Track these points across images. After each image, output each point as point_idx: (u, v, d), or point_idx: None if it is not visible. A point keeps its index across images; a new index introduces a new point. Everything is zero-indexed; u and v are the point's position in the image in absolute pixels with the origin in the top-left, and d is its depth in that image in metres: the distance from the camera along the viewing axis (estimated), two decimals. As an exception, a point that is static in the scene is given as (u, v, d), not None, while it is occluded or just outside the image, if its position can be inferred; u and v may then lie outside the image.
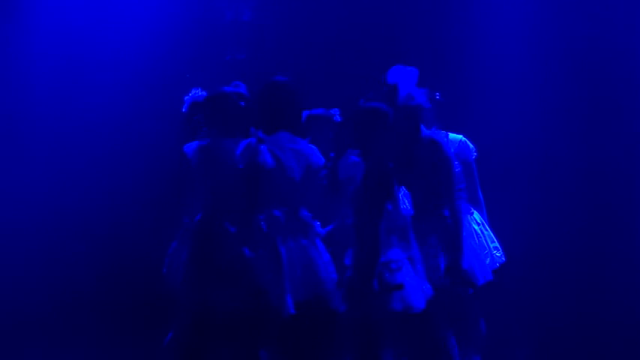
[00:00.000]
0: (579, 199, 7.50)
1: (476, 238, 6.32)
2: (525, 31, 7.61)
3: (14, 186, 7.49)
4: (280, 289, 5.41)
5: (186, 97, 6.11)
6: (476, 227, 6.39)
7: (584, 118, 7.53)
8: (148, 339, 6.34)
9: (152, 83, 7.55)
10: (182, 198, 5.78)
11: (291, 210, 5.58)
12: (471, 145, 6.52)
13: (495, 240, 6.43)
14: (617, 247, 7.41)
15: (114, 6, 7.66)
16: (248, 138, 5.63)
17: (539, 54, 7.57)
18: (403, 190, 5.53)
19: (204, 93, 6.04)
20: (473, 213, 6.43)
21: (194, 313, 5.55)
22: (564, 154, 7.54)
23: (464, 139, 6.50)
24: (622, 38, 7.50)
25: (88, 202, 7.52)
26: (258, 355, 5.51)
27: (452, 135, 6.48)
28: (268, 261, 5.45)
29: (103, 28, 7.60)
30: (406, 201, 5.53)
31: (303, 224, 5.59)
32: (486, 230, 6.43)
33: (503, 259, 6.42)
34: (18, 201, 7.47)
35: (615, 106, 7.51)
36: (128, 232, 7.43)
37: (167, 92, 7.41)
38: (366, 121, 5.44)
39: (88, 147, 7.54)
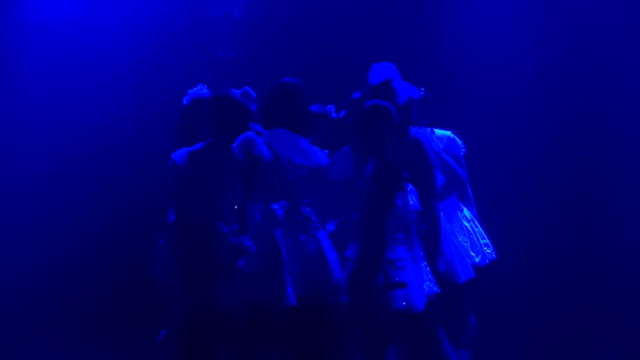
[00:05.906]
0: (569, 194, 7.50)
1: (466, 235, 6.31)
2: (514, 26, 7.61)
3: (10, 185, 7.48)
4: (280, 280, 5.40)
5: (190, 91, 6.06)
6: (466, 224, 6.37)
7: (574, 113, 7.52)
8: (142, 336, 6.35)
9: (143, 81, 7.54)
10: (171, 201, 5.76)
11: (291, 205, 5.58)
12: (460, 141, 6.51)
13: (486, 236, 6.42)
14: (608, 243, 7.40)
15: (104, 3, 7.64)
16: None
17: (530, 49, 7.56)
18: (410, 187, 5.54)
19: (207, 91, 6.02)
20: (463, 209, 6.42)
21: (191, 312, 5.53)
22: (554, 150, 7.53)
23: (452, 135, 6.49)
24: (614, 35, 7.51)
25: (80, 201, 7.51)
26: (255, 352, 5.49)
27: (441, 131, 6.47)
28: (267, 254, 5.44)
29: (92, 27, 7.58)
30: (413, 197, 5.54)
31: (303, 220, 5.59)
32: (477, 227, 6.41)
33: (494, 255, 6.41)
34: (12, 201, 7.47)
35: (605, 102, 7.51)
36: (124, 230, 7.42)
37: (158, 90, 7.43)
38: (373, 118, 5.49)
39: (79, 144, 7.53)
